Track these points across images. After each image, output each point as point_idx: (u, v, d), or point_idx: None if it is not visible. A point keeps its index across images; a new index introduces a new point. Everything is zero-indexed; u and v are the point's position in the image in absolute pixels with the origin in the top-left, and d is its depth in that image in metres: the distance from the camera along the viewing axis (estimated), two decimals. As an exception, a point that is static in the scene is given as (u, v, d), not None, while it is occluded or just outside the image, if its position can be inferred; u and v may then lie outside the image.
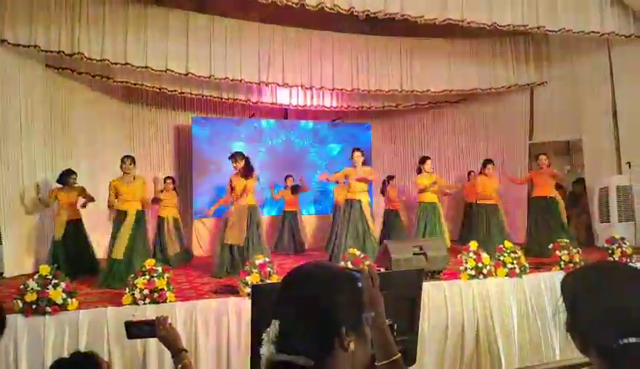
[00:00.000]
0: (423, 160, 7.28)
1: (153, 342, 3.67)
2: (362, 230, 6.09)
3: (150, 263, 4.09)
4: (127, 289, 3.95)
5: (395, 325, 2.00)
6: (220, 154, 9.32)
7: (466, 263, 4.77)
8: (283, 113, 10.01)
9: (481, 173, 7.23)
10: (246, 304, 3.91)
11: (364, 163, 6.51)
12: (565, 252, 5.17)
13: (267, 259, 4.44)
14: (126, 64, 6.68)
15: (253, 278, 4.18)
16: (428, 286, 4.43)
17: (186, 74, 7.12)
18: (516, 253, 4.94)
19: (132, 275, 4.03)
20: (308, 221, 9.31)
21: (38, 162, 6.67)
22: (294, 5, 5.77)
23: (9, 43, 6.02)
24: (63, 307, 3.70)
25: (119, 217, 5.56)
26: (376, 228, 6.76)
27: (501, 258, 4.88)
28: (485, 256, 4.81)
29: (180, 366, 1.73)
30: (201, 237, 8.84)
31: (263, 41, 7.54)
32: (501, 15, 6.38)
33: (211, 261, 6.16)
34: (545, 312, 4.85)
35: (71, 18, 6.31)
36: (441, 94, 8.75)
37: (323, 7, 5.80)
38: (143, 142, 9.16)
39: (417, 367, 2.53)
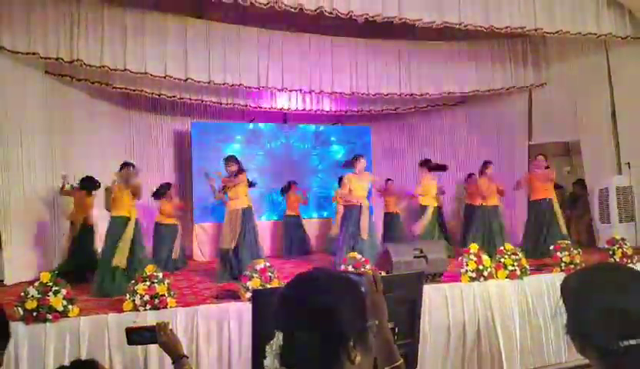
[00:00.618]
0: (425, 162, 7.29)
1: (154, 348, 3.67)
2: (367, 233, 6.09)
3: (150, 269, 4.09)
4: (127, 295, 3.95)
5: (396, 328, 2.00)
6: (219, 159, 9.33)
7: (467, 265, 4.77)
8: (282, 117, 10.03)
9: (481, 174, 7.24)
10: (247, 308, 3.90)
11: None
12: (566, 253, 5.16)
13: (267, 263, 4.44)
14: (125, 70, 6.69)
15: (254, 283, 4.18)
16: (428, 288, 4.42)
17: (185, 80, 7.13)
18: (517, 255, 4.94)
19: (133, 281, 4.02)
20: (310, 226, 9.31)
21: (38, 169, 6.67)
22: (292, 10, 5.79)
23: (7, 50, 6.03)
24: (64, 314, 3.70)
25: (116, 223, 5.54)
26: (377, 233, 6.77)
27: (502, 260, 4.88)
28: (485, 258, 4.81)
29: (181, 372, 1.73)
30: (202, 243, 8.82)
31: (262, 45, 7.55)
32: (498, 18, 6.40)
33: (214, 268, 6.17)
34: (546, 314, 4.84)
35: (70, 25, 6.32)
36: (439, 97, 8.77)
37: (322, 11, 5.82)
38: (142, 148, 9.16)
39: (418, 370, 2.52)
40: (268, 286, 4.18)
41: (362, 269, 4.61)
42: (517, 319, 4.73)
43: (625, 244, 5.53)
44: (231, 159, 6.20)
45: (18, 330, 3.57)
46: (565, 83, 8.27)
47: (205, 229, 8.90)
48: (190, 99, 8.36)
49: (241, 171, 6.12)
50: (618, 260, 5.36)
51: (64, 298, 3.71)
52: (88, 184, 6.52)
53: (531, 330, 4.78)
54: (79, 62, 6.38)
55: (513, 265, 4.86)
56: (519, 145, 8.94)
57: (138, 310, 3.89)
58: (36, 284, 3.74)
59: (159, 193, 7.51)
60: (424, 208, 7.19)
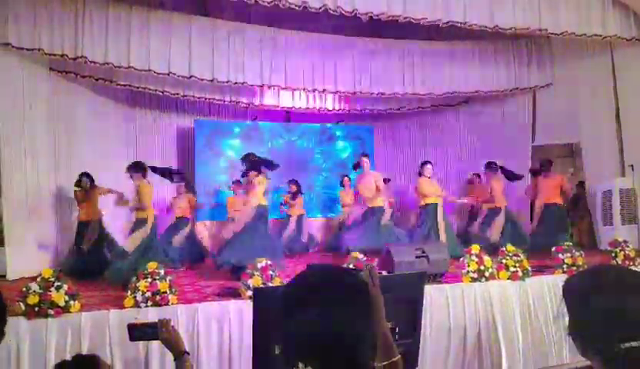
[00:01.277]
0: (423, 164, 7.20)
1: (155, 344, 3.68)
2: (379, 233, 6.10)
3: (152, 265, 4.10)
4: (129, 292, 3.96)
5: (397, 328, 2.00)
6: (222, 156, 9.36)
7: (468, 266, 4.76)
8: (285, 116, 10.03)
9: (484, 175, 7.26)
10: (248, 306, 3.91)
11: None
12: (568, 255, 5.15)
13: (269, 262, 4.43)
14: (129, 67, 6.71)
15: (255, 281, 4.18)
16: (429, 289, 4.42)
17: (189, 77, 7.14)
18: (518, 256, 4.93)
19: (134, 278, 4.03)
20: (315, 224, 9.31)
21: (42, 164, 6.69)
22: (297, 8, 5.78)
23: (13, 46, 6.05)
24: (65, 309, 3.71)
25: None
26: None
27: (504, 261, 4.87)
28: (487, 259, 4.80)
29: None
30: (204, 239, 8.84)
31: (265, 44, 7.55)
32: (503, 18, 6.38)
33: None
34: (548, 315, 4.83)
35: (75, 22, 6.33)
36: (443, 97, 8.76)
37: (326, 9, 5.81)
38: (146, 145, 9.19)
39: (419, 370, 2.52)
40: (270, 284, 4.19)
41: (365, 269, 4.60)
42: (518, 320, 4.72)
43: (628, 246, 5.51)
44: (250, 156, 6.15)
45: (20, 325, 3.58)
46: (569, 84, 8.24)
47: (206, 226, 8.92)
48: (193, 97, 8.37)
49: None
50: (620, 262, 5.35)
51: (65, 294, 3.72)
52: (80, 180, 6.56)
53: (533, 331, 4.77)
54: (84, 59, 6.40)
55: (515, 266, 4.85)
56: (522, 146, 8.92)
57: (139, 306, 3.89)
58: (38, 279, 3.75)
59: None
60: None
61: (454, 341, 4.53)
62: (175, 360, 1.78)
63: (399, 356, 1.23)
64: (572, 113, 8.13)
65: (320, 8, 5.79)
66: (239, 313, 4.05)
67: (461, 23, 6.29)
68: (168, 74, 7.01)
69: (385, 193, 7.27)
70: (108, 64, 6.59)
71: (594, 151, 7.94)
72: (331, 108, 9.43)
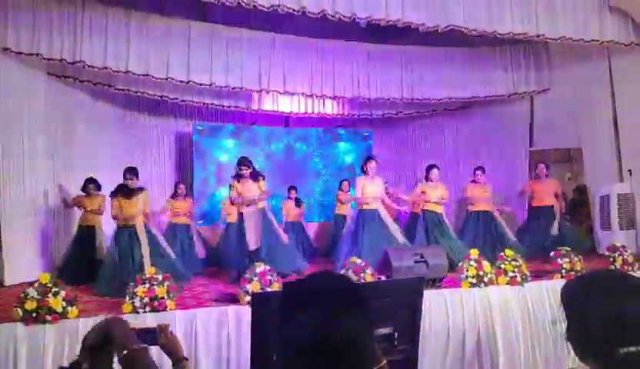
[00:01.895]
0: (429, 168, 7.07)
1: (154, 350, 3.64)
2: (380, 240, 6.05)
3: (150, 271, 4.09)
4: (127, 297, 3.94)
5: (396, 333, 2.00)
6: (220, 161, 9.37)
7: (467, 271, 4.76)
8: (284, 120, 10.05)
9: (472, 181, 7.25)
10: (246, 312, 3.89)
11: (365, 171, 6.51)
12: (567, 260, 5.15)
13: (267, 267, 4.42)
14: (128, 72, 6.72)
15: (253, 286, 4.17)
16: (428, 294, 4.41)
17: (187, 82, 7.15)
18: (517, 261, 4.93)
19: (132, 283, 4.02)
20: (311, 229, 9.30)
21: (40, 169, 6.68)
22: (295, 13, 5.80)
23: (12, 51, 6.06)
24: (63, 315, 3.69)
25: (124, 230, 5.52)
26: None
27: (502, 266, 4.87)
28: (485, 264, 4.80)
29: (180, 374, 1.72)
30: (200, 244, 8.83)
31: (264, 48, 7.57)
32: (501, 23, 6.41)
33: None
34: (547, 320, 4.82)
35: (74, 27, 6.34)
36: (441, 102, 8.78)
37: (325, 14, 5.83)
38: (144, 149, 9.19)
39: (418, 375, 2.51)
40: (268, 289, 4.18)
41: (362, 274, 4.60)
42: (518, 325, 4.71)
43: (626, 251, 5.51)
44: (245, 160, 6.10)
45: (17, 330, 3.56)
46: (566, 89, 8.28)
47: (204, 231, 8.90)
48: (192, 101, 8.39)
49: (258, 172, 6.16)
50: (618, 267, 5.34)
51: (63, 299, 3.70)
52: (86, 185, 6.58)
53: (532, 336, 4.76)
54: (82, 64, 6.41)
55: (513, 271, 4.84)
56: (520, 151, 8.94)
57: (137, 312, 3.88)
58: (36, 284, 3.74)
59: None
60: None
61: (453, 347, 4.52)
62: (173, 365, 1.77)
63: (385, 361, 1.23)
64: (570, 118, 8.16)
65: (318, 13, 5.81)
66: (238, 318, 4.03)
67: (459, 28, 6.31)
68: (167, 79, 7.03)
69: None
70: (106, 69, 6.60)
71: (592, 155, 7.96)
72: (329, 113, 9.45)
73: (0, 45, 6.01)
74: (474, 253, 4.92)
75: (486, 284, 4.73)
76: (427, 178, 7.00)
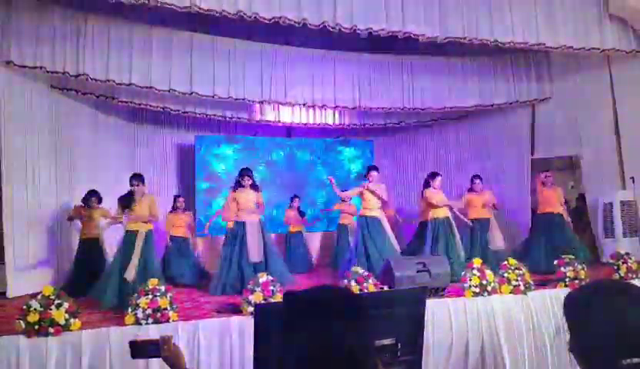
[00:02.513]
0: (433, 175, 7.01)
1: (156, 362, 3.64)
2: (381, 246, 6.06)
3: (153, 282, 4.08)
4: (129, 309, 3.94)
5: (399, 344, 1.99)
6: (223, 172, 9.38)
7: (470, 280, 4.73)
8: (286, 131, 10.08)
9: (470, 189, 7.23)
10: (249, 323, 3.88)
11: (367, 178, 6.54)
12: (570, 268, 5.12)
13: (270, 277, 4.42)
14: (130, 84, 6.76)
15: (256, 297, 4.16)
16: (431, 303, 4.39)
17: (190, 94, 7.19)
18: (520, 269, 4.90)
19: (135, 294, 4.01)
20: (312, 239, 9.29)
21: (43, 181, 6.71)
22: (296, 25, 5.85)
23: (15, 64, 6.11)
24: (66, 327, 3.68)
25: (129, 237, 5.48)
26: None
27: (506, 275, 4.84)
28: (489, 273, 4.78)
29: (182, 387, 1.72)
30: (202, 255, 8.82)
31: (266, 60, 7.63)
32: (501, 33, 6.44)
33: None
34: (551, 330, 4.79)
35: (77, 40, 6.41)
36: (443, 111, 8.80)
37: (326, 26, 5.88)
38: (146, 161, 9.22)
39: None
40: (271, 300, 4.16)
41: (365, 284, 4.59)
42: (522, 334, 4.67)
43: (630, 259, 5.47)
44: (247, 171, 6.14)
45: (20, 343, 3.56)
46: (568, 97, 8.29)
47: (205, 242, 8.91)
48: (194, 113, 8.42)
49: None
50: (622, 275, 5.31)
51: (66, 312, 3.70)
52: (89, 198, 6.59)
53: (537, 345, 4.72)
54: (85, 76, 6.45)
55: (517, 280, 4.82)
56: (522, 159, 8.93)
57: (139, 323, 3.87)
58: (38, 297, 3.74)
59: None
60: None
61: (456, 356, 4.49)
62: (175, 377, 1.77)
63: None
64: (572, 126, 8.17)
65: (319, 24, 5.86)
66: (240, 329, 4.02)
67: (460, 39, 6.35)
68: (169, 91, 7.07)
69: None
70: (109, 82, 6.65)
71: (594, 163, 7.95)
72: (331, 123, 9.47)
73: (3, 59, 6.07)
74: (477, 262, 4.90)
75: (489, 293, 4.71)
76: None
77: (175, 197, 7.80)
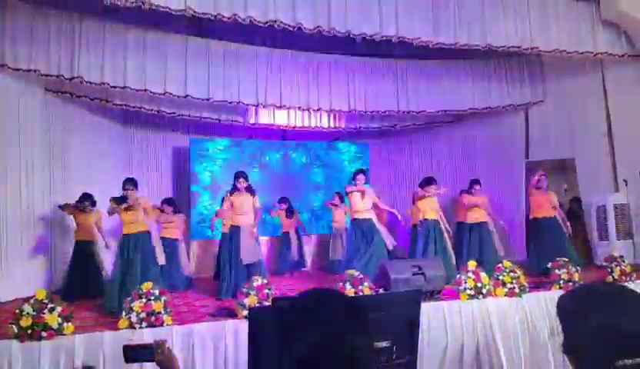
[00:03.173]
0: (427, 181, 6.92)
1: (150, 367, 3.62)
2: (374, 249, 6.06)
3: (147, 286, 4.06)
4: (123, 313, 3.91)
5: (394, 347, 1.98)
6: (218, 175, 9.36)
7: (465, 283, 4.74)
8: (281, 134, 10.08)
9: (468, 192, 7.25)
10: (243, 326, 3.87)
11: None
12: (564, 271, 5.15)
13: (265, 280, 4.41)
14: (125, 87, 6.75)
15: (250, 300, 4.15)
16: (426, 306, 4.39)
17: (185, 97, 7.18)
18: (515, 272, 4.92)
19: (129, 298, 3.99)
20: (307, 241, 9.28)
21: (37, 184, 6.67)
22: (291, 29, 5.86)
23: (9, 67, 6.08)
24: (59, 331, 3.66)
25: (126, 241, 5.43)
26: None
27: (501, 278, 4.86)
28: (483, 275, 4.79)
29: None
30: (198, 258, 8.80)
31: (261, 63, 7.63)
32: (494, 37, 6.49)
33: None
34: (546, 332, 4.81)
35: (71, 43, 6.39)
36: (437, 114, 8.83)
37: (320, 30, 5.89)
38: (141, 164, 9.19)
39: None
40: (266, 303, 4.15)
41: (361, 286, 4.59)
42: (517, 337, 4.69)
43: (623, 262, 5.51)
44: (242, 174, 6.14)
45: (12, 347, 3.53)
46: (561, 101, 8.35)
47: (200, 245, 8.89)
48: (189, 116, 8.40)
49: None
50: (616, 277, 5.34)
51: (59, 315, 3.67)
52: (82, 202, 6.54)
53: (532, 348, 4.74)
54: (80, 79, 6.43)
55: (512, 283, 4.83)
56: (516, 162, 8.98)
57: (133, 327, 3.85)
58: (31, 301, 3.71)
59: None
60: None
61: (452, 359, 4.49)
62: (169, 382, 1.76)
63: None
64: (565, 129, 8.22)
65: (314, 29, 5.87)
66: (235, 333, 4.01)
67: (453, 44, 6.39)
68: (164, 94, 7.05)
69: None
70: (104, 85, 6.63)
71: (587, 166, 8.00)
72: (326, 126, 9.48)
73: (-2, 62, 6.04)
74: (471, 265, 4.91)
75: (484, 296, 4.72)
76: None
77: (163, 202, 7.61)
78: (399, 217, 6.95)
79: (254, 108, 8.36)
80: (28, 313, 3.60)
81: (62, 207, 6.67)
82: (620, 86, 7.48)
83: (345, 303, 0.99)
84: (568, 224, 6.94)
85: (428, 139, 10.40)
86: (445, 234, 6.69)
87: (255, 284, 4.31)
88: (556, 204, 6.92)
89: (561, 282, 5.09)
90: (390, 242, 6.30)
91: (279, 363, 0.95)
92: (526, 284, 4.93)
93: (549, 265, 5.34)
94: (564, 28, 6.77)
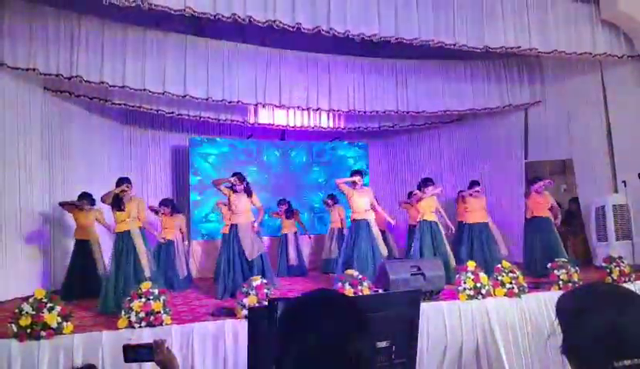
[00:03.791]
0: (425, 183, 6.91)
1: (150, 366, 3.62)
2: (370, 249, 6.07)
3: (146, 285, 4.06)
4: (123, 312, 3.91)
5: (393, 347, 1.99)
6: (217, 175, 9.36)
7: (464, 283, 4.75)
8: (280, 134, 10.08)
9: (469, 193, 7.25)
10: (243, 326, 3.87)
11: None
12: (564, 271, 5.16)
13: (264, 280, 4.42)
14: (124, 87, 6.74)
15: (250, 300, 4.15)
16: (426, 306, 4.40)
17: (184, 97, 7.17)
18: (514, 272, 4.93)
19: (128, 298, 3.99)
20: (306, 242, 9.28)
21: (36, 184, 6.67)
22: (290, 29, 5.86)
23: (8, 66, 6.08)
24: (58, 331, 3.66)
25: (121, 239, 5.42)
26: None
27: (500, 278, 4.86)
28: (483, 276, 4.80)
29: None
30: (198, 258, 8.80)
31: (260, 63, 7.62)
32: (493, 38, 6.49)
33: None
34: (544, 332, 4.81)
35: (70, 42, 6.37)
36: (436, 115, 8.84)
37: (319, 30, 5.89)
38: (141, 164, 9.18)
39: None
40: (265, 303, 4.15)
41: (360, 287, 4.59)
42: (516, 337, 4.69)
43: (622, 262, 5.52)
44: (239, 175, 6.14)
45: (11, 347, 3.53)
46: (560, 101, 8.36)
47: (201, 246, 8.88)
48: (188, 115, 8.39)
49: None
50: (615, 278, 5.35)
51: (58, 315, 3.67)
52: (81, 201, 6.53)
53: (531, 348, 4.74)
54: (79, 79, 6.42)
55: (511, 283, 4.84)
56: (515, 163, 8.98)
57: (133, 327, 3.85)
58: (30, 300, 3.71)
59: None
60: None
61: (451, 359, 4.50)
62: (169, 382, 1.76)
63: None
64: (564, 129, 8.23)
65: (313, 29, 5.87)
66: (234, 333, 4.01)
67: (451, 44, 6.39)
68: (163, 94, 7.04)
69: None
70: (103, 84, 6.62)
71: (586, 167, 8.01)
72: (325, 126, 9.48)
73: (-4, 61, 6.04)
74: (471, 265, 4.92)
75: (484, 296, 4.72)
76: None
77: (160, 204, 7.56)
78: (393, 223, 6.99)
79: (253, 107, 8.36)
80: (27, 312, 3.60)
81: (62, 205, 6.66)
82: (619, 87, 7.48)
83: (346, 303, 1.00)
84: (559, 217, 7.02)
85: (428, 139, 10.41)
86: (444, 236, 6.71)
87: (254, 283, 4.31)
88: (553, 203, 6.96)
89: (561, 282, 5.10)
90: (383, 248, 6.28)
91: (279, 363, 0.95)
92: (525, 285, 4.94)
93: (548, 265, 5.35)
94: (563, 29, 6.77)
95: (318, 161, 10.18)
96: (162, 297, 4.01)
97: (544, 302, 4.91)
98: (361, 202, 6.29)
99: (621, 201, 7.25)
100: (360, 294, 4.46)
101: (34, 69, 6.19)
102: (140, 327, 3.86)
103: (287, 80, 7.77)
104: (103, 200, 5.52)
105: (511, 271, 4.92)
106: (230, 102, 7.56)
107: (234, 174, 6.12)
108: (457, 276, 4.94)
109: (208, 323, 4.15)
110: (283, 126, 9.25)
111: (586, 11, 6.95)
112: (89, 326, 4.16)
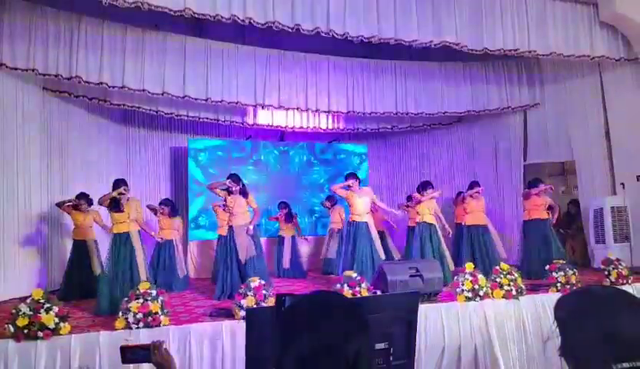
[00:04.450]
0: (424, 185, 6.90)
1: (147, 367, 3.61)
2: (369, 251, 6.07)
3: (144, 286, 4.05)
4: (120, 313, 3.91)
5: (391, 349, 1.99)
6: (216, 176, 9.35)
7: (462, 285, 4.75)
8: (279, 135, 10.08)
9: (469, 195, 7.24)
10: (241, 327, 3.86)
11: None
12: (562, 273, 5.16)
13: (262, 281, 4.41)
14: (123, 87, 6.73)
15: (248, 301, 4.15)
16: (424, 308, 4.40)
17: (183, 97, 7.17)
18: (513, 274, 4.93)
19: (126, 298, 3.98)
20: (304, 243, 9.26)
21: (34, 185, 6.66)
22: (290, 30, 5.86)
23: (7, 66, 6.07)
24: (55, 331, 3.65)
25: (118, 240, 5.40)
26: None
27: (498, 280, 4.86)
28: (481, 277, 4.80)
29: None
30: (196, 260, 8.79)
31: (259, 64, 7.62)
32: (492, 40, 6.49)
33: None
34: (543, 334, 4.81)
35: (70, 42, 6.37)
36: (435, 116, 8.84)
37: (318, 32, 5.90)
38: (139, 164, 9.18)
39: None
40: (263, 304, 4.15)
41: (358, 288, 4.59)
42: (514, 339, 4.69)
43: (621, 265, 5.52)
44: (235, 176, 6.14)
45: (8, 347, 3.52)
46: (559, 103, 8.37)
47: (200, 247, 8.87)
48: (187, 116, 8.40)
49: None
50: (613, 280, 5.35)
51: (56, 315, 3.66)
52: (79, 202, 6.51)
53: (528, 350, 4.74)
54: (78, 79, 6.42)
55: (509, 285, 4.84)
56: (514, 165, 8.99)
57: (130, 328, 3.84)
58: (28, 300, 3.70)
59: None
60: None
61: (449, 361, 4.49)
62: (166, 383, 1.75)
63: None
64: (563, 131, 8.25)
65: (312, 30, 5.87)
66: (232, 334, 4.00)
67: (451, 44, 6.39)
68: (162, 94, 7.04)
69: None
70: (102, 85, 6.61)
71: (585, 169, 8.02)
72: (324, 128, 9.48)
73: (-5, 61, 6.03)
74: (469, 267, 4.92)
75: (482, 298, 4.72)
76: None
77: (160, 204, 7.54)
78: (399, 215, 6.96)
79: (252, 108, 8.36)
80: (24, 313, 3.59)
81: (59, 205, 6.65)
82: (618, 89, 7.50)
83: (345, 304, 1.00)
84: (556, 215, 7.01)
85: (427, 141, 10.41)
86: (442, 238, 6.69)
87: (252, 284, 4.30)
88: (551, 202, 6.96)
89: (559, 285, 5.10)
90: (380, 252, 6.28)
91: (279, 363, 0.95)
92: (523, 287, 4.94)
93: (546, 267, 5.35)
94: (561, 31, 6.78)
95: (317, 161, 10.18)
96: (160, 298, 4.00)
97: (542, 304, 4.91)
98: (363, 203, 6.28)
99: (619, 203, 7.26)
100: (358, 295, 4.46)
101: (33, 69, 6.18)
102: (137, 327, 3.85)
103: (286, 81, 7.77)
104: (100, 202, 5.51)
105: (509, 273, 4.92)
106: (229, 103, 7.55)
107: (229, 176, 6.12)
108: (454, 278, 4.94)
109: (205, 324, 4.15)
110: (282, 127, 9.25)
111: (585, 14, 6.96)
112: (87, 326, 4.14)
